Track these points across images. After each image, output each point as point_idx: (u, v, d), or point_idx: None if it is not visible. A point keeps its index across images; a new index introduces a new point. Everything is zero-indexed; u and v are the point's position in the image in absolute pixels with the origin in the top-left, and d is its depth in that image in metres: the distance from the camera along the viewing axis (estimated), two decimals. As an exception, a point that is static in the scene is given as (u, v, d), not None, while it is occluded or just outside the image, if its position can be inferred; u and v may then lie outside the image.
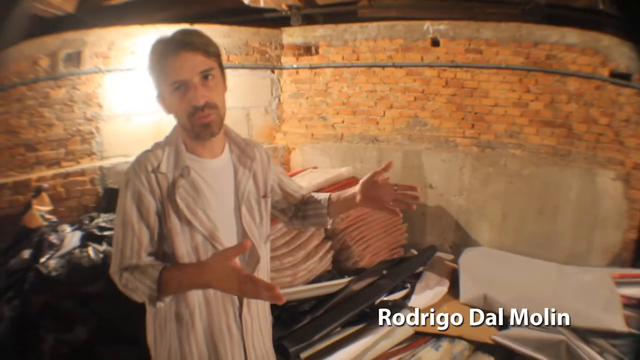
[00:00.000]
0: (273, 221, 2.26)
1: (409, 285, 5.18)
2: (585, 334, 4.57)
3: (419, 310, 4.76)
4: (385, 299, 4.89)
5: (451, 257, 5.94)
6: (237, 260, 1.81)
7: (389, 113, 6.65)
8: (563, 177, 5.94)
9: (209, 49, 1.90)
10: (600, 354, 4.45)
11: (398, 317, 4.52)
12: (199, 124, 1.89)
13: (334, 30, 6.76)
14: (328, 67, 6.83)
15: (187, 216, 1.90)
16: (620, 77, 5.76)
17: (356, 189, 2.21)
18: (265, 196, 2.15)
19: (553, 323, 4.56)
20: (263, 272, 2.11)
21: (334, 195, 2.33)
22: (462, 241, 6.35)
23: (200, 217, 1.92)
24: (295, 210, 2.42)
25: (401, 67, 6.51)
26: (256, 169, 2.13)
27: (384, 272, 5.29)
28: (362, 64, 6.68)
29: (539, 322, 4.57)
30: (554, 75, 5.97)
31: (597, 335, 4.55)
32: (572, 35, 5.90)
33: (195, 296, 1.95)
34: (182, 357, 2.00)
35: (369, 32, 6.62)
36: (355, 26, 6.69)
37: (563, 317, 4.57)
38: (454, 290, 5.18)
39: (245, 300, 2.02)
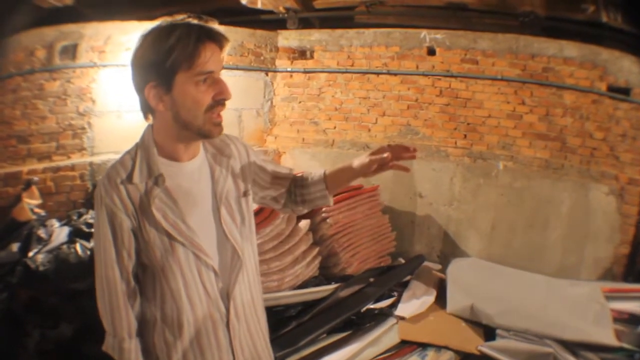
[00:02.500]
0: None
1: (395, 294, 5.36)
2: (574, 347, 4.74)
3: (406, 319, 4.95)
4: (372, 306, 5.06)
5: (439, 266, 6.17)
6: (211, 263, 1.98)
7: (381, 120, 6.89)
8: (555, 190, 6.19)
9: (226, 42, 1.93)
10: None
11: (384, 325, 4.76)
12: (213, 121, 1.91)
13: (330, 35, 7.01)
14: (322, 72, 7.06)
15: (165, 227, 1.91)
16: (619, 92, 6.00)
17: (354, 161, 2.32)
18: (245, 194, 2.16)
19: (541, 335, 4.79)
20: (249, 279, 2.14)
21: (329, 172, 2.35)
22: (451, 251, 6.56)
23: (179, 227, 1.93)
24: (289, 196, 2.43)
25: (396, 74, 6.76)
26: (234, 166, 2.15)
27: (371, 279, 5.46)
28: (356, 70, 6.92)
29: (527, 334, 4.82)
30: (550, 88, 6.23)
31: (586, 349, 4.72)
32: (570, 48, 6.16)
33: (184, 305, 1.97)
34: None
35: (365, 39, 6.87)
36: (351, 32, 6.94)
37: (551, 329, 4.83)
38: (440, 300, 5.34)
39: (232, 306, 2.03)
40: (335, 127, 7.11)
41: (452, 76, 6.55)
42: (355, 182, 6.04)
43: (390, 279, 5.57)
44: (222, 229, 2.03)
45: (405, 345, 4.74)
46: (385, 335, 4.75)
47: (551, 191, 6.22)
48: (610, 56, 6.04)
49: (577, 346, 4.76)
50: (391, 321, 4.91)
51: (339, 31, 6.98)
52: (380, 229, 6.20)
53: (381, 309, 5.10)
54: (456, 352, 4.70)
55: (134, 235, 1.94)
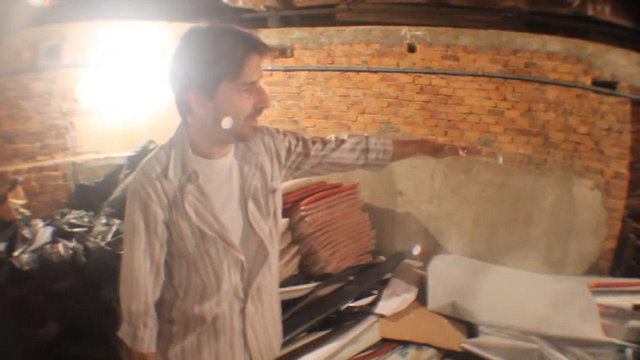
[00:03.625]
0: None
1: (376, 292, 5.54)
2: (561, 343, 4.90)
3: (386, 317, 5.14)
4: (352, 305, 5.25)
5: (420, 264, 6.31)
6: (242, 257, 2.16)
7: (361, 118, 7.08)
8: (538, 185, 6.36)
9: (268, 52, 2.05)
10: None
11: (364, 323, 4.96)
12: (251, 127, 2.05)
13: (311, 33, 7.18)
14: (302, 70, 7.23)
15: (196, 222, 2.05)
16: (605, 85, 6.18)
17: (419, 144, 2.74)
18: (273, 191, 2.27)
19: (525, 331, 4.97)
20: (272, 269, 2.31)
21: (395, 147, 2.62)
22: (432, 248, 6.69)
23: (210, 222, 2.07)
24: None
25: (376, 72, 6.93)
26: (262, 162, 2.26)
27: (351, 278, 5.65)
28: (336, 67, 7.10)
29: (510, 331, 4.99)
30: (533, 84, 6.39)
31: (574, 345, 4.89)
32: (554, 43, 6.33)
33: (210, 294, 2.15)
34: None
35: (345, 36, 7.04)
36: (331, 29, 7.11)
37: (535, 325, 5.01)
38: (422, 298, 5.55)
39: (250, 295, 2.22)
40: (315, 126, 7.27)
41: (432, 73, 6.70)
42: (335, 180, 6.24)
43: (371, 277, 5.76)
44: (249, 222, 2.18)
45: (386, 343, 4.92)
46: (366, 334, 4.93)
47: (534, 187, 6.37)
48: (595, 50, 6.20)
49: (564, 342, 4.91)
50: (371, 319, 5.09)
51: (319, 29, 7.14)
52: (360, 227, 6.33)
53: (361, 307, 5.28)
54: (438, 349, 4.87)
55: (167, 228, 2.09)
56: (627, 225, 6.32)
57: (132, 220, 2.07)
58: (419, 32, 6.72)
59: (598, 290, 5.58)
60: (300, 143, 2.45)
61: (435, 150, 2.67)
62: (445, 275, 5.83)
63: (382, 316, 5.17)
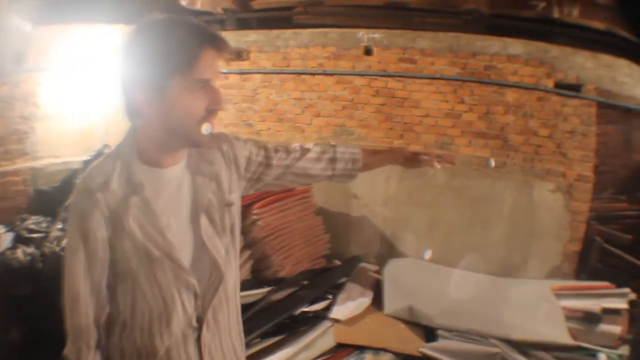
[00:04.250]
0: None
1: (331, 296, 5.54)
2: (525, 347, 4.96)
3: (341, 321, 5.15)
4: (306, 310, 5.23)
5: (376, 267, 6.34)
6: (193, 281, 1.94)
7: (315, 121, 7.11)
8: (496, 188, 6.46)
9: (228, 49, 1.90)
10: None
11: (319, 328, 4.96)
12: (204, 131, 1.88)
13: (267, 35, 7.24)
14: (258, 72, 7.27)
15: (141, 240, 1.86)
16: (569, 88, 6.34)
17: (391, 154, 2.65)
18: (229, 204, 2.08)
19: (486, 335, 5.03)
20: (228, 292, 2.10)
21: (365, 157, 2.44)
22: (388, 252, 6.75)
23: (156, 240, 1.88)
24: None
25: (331, 75, 6.99)
26: (218, 172, 2.07)
27: (305, 282, 5.66)
28: (292, 70, 7.14)
29: (470, 335, 5.04)
30: (492, 86, 6.50)
31: (539, 349, 4.96)
32: (515, 46, 6.45)
33: (159, 321, 1.94)
34: None
35: (301, 39, 7.11)
36: (288, 32, 7.18)
37: (497, 329, 5.07)
38: (378, 302, 5.57)
39: (205, 322, 2.01)
40: (269, 129, 7.27)
41: (388, 76, 6.78)
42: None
43: (325, 281, 5.77)
44: (201, 240, 1.98)
45: (341, 348, 4.92)
46: (320, 339, 4.94)
47: (492, 190, 6.47)
48: (560, 53, 6.34)
49: (528, 346, 4.97)
50: (326, 324, 5.10)
51: (275, 32, 7.20)
52: (314, 230, 6.40)
53: (316, 312, 5.27)
54: (396, 354, 4.88)
55: (109, 246, 1.88)
56: (592, 228, 6.44)
57: (71, 238, 1.92)
58: (376, 34, 6.81)
59: (562, 294, 5.69)
60: (262, 152, 2.26)
61: (408, 160, 2.53)
62: (401, 279, 5.89)
63: (337, 321, 5.17)
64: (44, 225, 5.48)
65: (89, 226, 1.85)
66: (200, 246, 1.99)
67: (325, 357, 4.85)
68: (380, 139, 6.88)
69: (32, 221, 5.41)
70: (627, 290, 5.64)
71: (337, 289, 5.72)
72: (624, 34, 6.36)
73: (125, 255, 1.88)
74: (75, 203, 1.92)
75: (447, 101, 6.65)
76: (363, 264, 6.38)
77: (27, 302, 4.60)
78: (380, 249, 6.86)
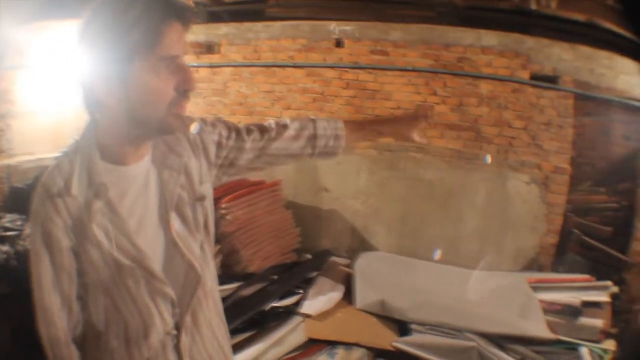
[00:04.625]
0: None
1: (301, 291, 5.52)
2: (502, 341, 4.98)
3: (312, 316, 5.14)
4: (276, 305, 5.20)
5: (347, 261, 6.32)
6: (168, 290, 1.82)
7: (285, 114, 7.05)
8: (469, 180, 6.48)
9: (192, 21, 1.74)
10: None
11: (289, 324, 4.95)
12: (177, 116, 1.72)
13: (238, 28, 7.25)
14: (228, 66, 7.27)
15: (108, 248, 1.72)
16: (545, 80, 6.39)
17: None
18: (201, 198, 1.93)
19: (461, 329, 5.04)
20: (207, 292, 1.97)
21: (349, 132, 2.27)
22: (359, 245, 6.76)
23: (124, 247, 1.74)
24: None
25: (302, 67, 7.00)
26: (187, 163, 1.90)
27: (275, 277, 5.67)
28: (262, 63, 7.15)
29: (445, 328, 5.05)
30: (465, 78, 6.53)
31: (517, 342, 4.97)
32: (490, 37, 6.48)
33: (135, 333, 1.82)
34: None
35: (272, 32, 7.12)
36: (259, 25, 7.19)
37: (472, 323, 5.09)
38: (349, 296, 5.57)
39: (184, 328, 1.89)
40: (239, 122, 7.07)
41: (359, 68, 6.80)
42: (257, 177, 6.30)
43: (295, 275, 5.76)
44: (173, 241, 1.84)
45: (313, 344, 4.93)
46: (291, 335, 4.92)
47: (465, 182, 6.49)
48: (536, 44, 6.39)
49: (505, 340, 4.97)
50: (297, 319, 5.08)
51: (246, 24, 7.20)
52: (284, 224, 6.40)
53: (286, 307, 5.23)
54: (369, 349, 4.89)
55: (75, 256, 1.75)
56: (569, 220, 6.46)
57: (35, 248, 1.76)
58: (348, 27, 6.82)
59: (540, 287, 5.71)
60: (233, 134, 2.06)
61: (397, 130, 2.46)
62: (373, 272, 5.87)
63: (307, 316, 5.15)
64: (18, 223, 5.43)
65: (52, 235, 1.72)
66: (172, 248, 1.84)
67: (296, 353, 4.85)
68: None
69: (7, 219, 5.38)
70: (608, 283, 5.68)
71: (307, 283, 5.70)
72: (606, 25, 6.37)
73: (93, 266, 1.75)
74: (35, 210, 1.76)
75: (419, 93, 6.66)
76: (334, 258, 6.38)
77: (5, 301, 4.54)
78: (351, 243, 6.88)
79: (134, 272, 1.75)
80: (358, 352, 4.86)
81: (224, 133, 2.04)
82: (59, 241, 1.72)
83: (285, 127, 2.16)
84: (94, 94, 1.69)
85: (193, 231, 1.89)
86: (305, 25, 7.03)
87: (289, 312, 5.19)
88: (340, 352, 4.83)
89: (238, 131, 2.08)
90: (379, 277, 5.79)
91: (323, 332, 5.04)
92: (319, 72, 6.98)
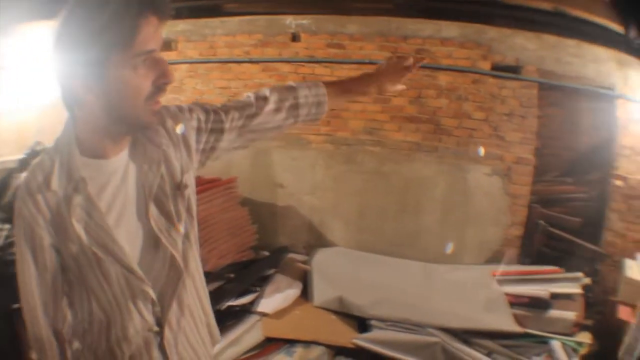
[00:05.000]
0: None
1: (258, 289, 5.51)
2: (467, 336, 4.98)
3: (269, 315, 5.13)
4: (232, 304, 5.20)
5: (305, 258, 6.34)
6: (147, 288, 1.82)
7: None
8: (427, 173, 6.48)
9: (170, 13, 1.72)
10: (488, 355, 4.83)
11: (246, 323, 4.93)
12: (153, 111, 1.74)
13: (194, 24, 7.21)
14: (184, 62, 7.24)
15: (87, 243, 1.73)
16: (508, 70, 6.38)
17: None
18: (181, 188, 1.91)
19: (423, 324, 5.00)
20: (189, 285, 1.98)
21: (331, 97, 2.27)
22: (317, 241, 6.77)
23: (103, 241, 1.75)
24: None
25: (257, 62, 6.98)
26: (167, 153, 1.90)
27: (231, 275, 5.64)
28: (217, 59, 7.14)
29: (406, 324, 5.02)
30: (423, 70, 6.45)
31: (482, 337, 4.97)
32: (450, 29, 6.47)
33: (117, 332, 1.84)
34: None
35: (229, 27, 7.11)
36: (215, 21, 7.16)
37: (434, 318, 5.06)
38: (308, 293, 5.57)
39: (167, 326, 1.90)
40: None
41: (315, 62, 6.79)
42: (211, 175, 6.28)
43: (252, 273, 5.75)
44: (153, 234, 1.84)
45: (270, 342, 4.92)
46: (248, 334, 4.91)
47: (423, 175, 6.49)
48: (498, 34, 6.36)
49: (471, 334, 4.98)
50: (253, 318, 5.08)
51: (203, 20, 7.17)
52: (239, 222, 6.34)
53: (242, 306, 5.21)
54: (328, 346, 4.88)
55: (57, 252, 1.77)
56: (535, 211, 6.47)
57: (19, 246, 1.79)
58: (304, 20, 6.81)
59: (505, 279, 5.69)
60: (212, 117, 2.06)
61: (382, 82, 2.39)
62: (330, 268, 5.86)
63: (264, 314, 5.15)
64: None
65: (34, 233, 1.75)
66: (153, 242, 1.85)
67: (253, 353, 4.84)
68: (306, 126, 6.73)
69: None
70: (579, 274, 5.65)
71: (264, 281, 5.69)
72: (575, 13, 6.36)
73: (74, 261, 1.77)
74: (17, 208, 1.77)
75: (375, 86, 6.57)
76: (291, 255, 6.38)
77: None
78: (308, 239, 6.88)
79: (113, 268, 1.77)
80: (317, 350, 4.85)
81: (202, 117, 2.04)
82: (40, 239, 1.74)
83: (265, 100, 2.15)
84: (72, 90, 1.69)
85: (175, 223, 1.88)
86: (261, 20, 7.01)
87: (246, 311, 5.18)
88: (298, 350, 4.83)
89: (216, 112, 2.07)
90: (337, 273, 5.78)
91: (280, 330, 5.03)
92: (275, 67, 6.96)
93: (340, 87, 2.37)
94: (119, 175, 1.81)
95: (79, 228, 1.72)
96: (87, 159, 1.76)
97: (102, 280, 1.77)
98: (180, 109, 2.02)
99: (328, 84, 2.30)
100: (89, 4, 1.61)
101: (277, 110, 2.16)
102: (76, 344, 1.87)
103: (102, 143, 1.76)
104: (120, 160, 1.82)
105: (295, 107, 2.19)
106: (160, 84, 1.70)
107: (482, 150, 6.44)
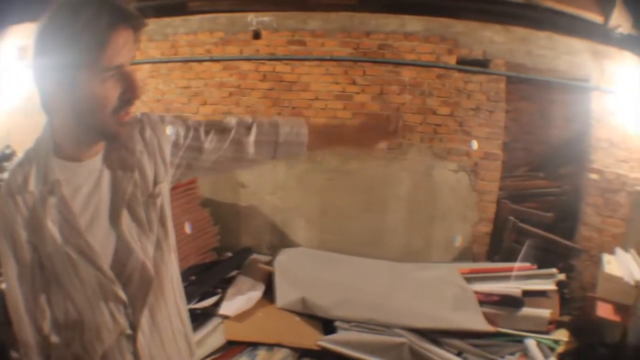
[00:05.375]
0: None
1: (220, 291, 5.47)
2: (436, 335, 4.93)
3: (230, 317, 5.08)
4: (193, 307, 5.14)
5: (268, 258, 6.28)
6: (117, 289, 1.82)
7: (202, 110, 7.07)
8: (391, 171, 6.45)
9: (143, 25, 1.74)
10: (459, 355, 4.79)
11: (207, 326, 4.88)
12: (120, 123, 1.76)
13: (157, 24, 7.17)
14: (145, 63, 7.20)
15: (61, 243, 1.75)
16: (475, 64, 6.37)
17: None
18: (153, 196, 1.93)
19: (389, 325, 4.96)
20: (166, 293, 1.98)
21: (312, 139, 2.26)
22: (280, 241, 6.74)
23: (75, 242, 1.77)
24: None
25: (218, 61, 6.95)
26: (141, 161, 1.92)
27: (193, 277, 5.61)
28: (178, 58, 7.11)
29: (371, 325, 4.98)
30: (386, 66, 6.49)
31: (452, 336, 4.93)
32: (414, 23, 6.45)
33: (90, 333, 1.83)
34: None
35: (190, 26, 7.09)
36: (177, 19, 7.14)
37: (400, 318, 5.02)
38: (270, 295, 5.51)
39: (140, 330, 1.89)
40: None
41: (276, 59, 6.77)
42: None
43: (214, 275, 5.72)
44: (125, 241, 1.85)
45: (232, 345, 4.86)
46: (210, 337, 4.86)
47: (387, 172, 6.47)
48: (465, 28, 6.37)
49: (440, 334, 4.93)
50: (215, 321, 5.02)
51: (165, 20, 7.14)
52: (200, 223, 6.30)
53: (204, 309, 5.17)
54: (293, 349, 4.83)
55: (34, 251, 1.78)
56: (504, 207, 6.45)
57: (1, 246, 1.81)
58: (266, 17, 6.78)
59: (474, 277, 5.64)
60: (191, 133, 2.07)
61: (362, 138, 2.35)
62: (293, 269, 5.82)
63: (226, 317, 5.10)
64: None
65: (14, 231, 1.77)
66: (125, 247, 1.85)
67: (215, 356, 4.80)
68: None
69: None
70: (553, 270, 5.64)
71: (227, 283, 5.65)
72: (547, 4, 6.33)
73: (49, 261, 1.78)
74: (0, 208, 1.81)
75: (337, 83, 6.65)
76: (255, 255, 6.35)
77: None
78: (272, 239, 6.86)
79: (85, 269, 1.77)
80: (281, 353, 4.82)
81: (182, 132, 2.06)
82: (19, 236, 1.76)
83: (248, 129, 2.16)
84: (47, 96, 1.73)
85: (146, 230, 1.89)
86: (223, 17, 6.99)
87: (207, 314, 5.13)
88: (261, 353, 4.80)
89: (196, 130, 2.08)
90: (300, 274, 5.74)
91: (243, 333, 4.98)
92: (236, 65, 6.94)
93: (323, 132, 2.39)
94: (93, 179, 1.84)
95: (53, 228, 1.74)
96: (63, 162, 1.79)
97: (75, 280, 1.78)
98: (162, 119, 2.05)
99: (311, 126, 2.28)
100: (64, 12, 1.63)
101: (258, 143, 2.17)
102: (54, 339, 1.86)
103: (77, 146, 1.80)
104: (95, 164, 1.85)
105: (275, 143, 2.20)
106: (127, 98, 1.73)
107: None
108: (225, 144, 2.11)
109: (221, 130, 2.13)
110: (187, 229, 6.00)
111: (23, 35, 6.28)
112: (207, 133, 2.09)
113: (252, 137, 2.15)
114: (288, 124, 2.24)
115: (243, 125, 2.16)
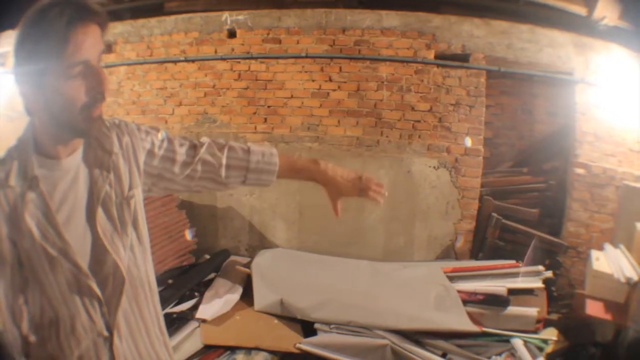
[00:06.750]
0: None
1: (198, 295, 5.46)
2: (419, 336, 4.88)
3: (208, 321, 5.05)
4: (171, 310, 5.15)
5: (247, 260, 6.24)
6: (93, 285, 1.84)
7: (177, 111, 7.07)
8: (369, 168, 6.43)
9: (107, 20, 1.78)
10: (444, 356, 4.72)
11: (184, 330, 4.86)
12: (92, 118, 1.79)
13: (133, 25, 7.18)
14: (122, 65, 7.19)
15: (39, 239, 1.77)
16: (454, 58, 6.36)
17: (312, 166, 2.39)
18: (128, 198, 1.98)
19: (370, 327, 4.92)
20: (139, 297, 2.01)
21: (284, 163, 2.35)
22: (258, 243, 6.73)
23: (52, 238, 1.79)
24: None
25: (193, 61, 6.94)
26: (117, 164, 1.97)
27: (170, 281, 5.57)
28: (153, 60, 7.10)
29: (352, 327, 4.94)
30: (363, 62, 6.48)
31: (435, 337, 4.87)
32: (391, 18, 6.44)
33: (65, 331, 1.84)
34: None
35: (165, 26, 7.08)
36: (153, 20, 7.13)
37: (381, 319, 4.97)
38: (249, 297, 5.46)
39: (115, 330, 1.91)
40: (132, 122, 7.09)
41: (251, 58, 6.76)
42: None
43: (191, 278, 5.70)
44: (99, 238, 1.88)
45: (210, 350, 4.81)
46: (187, 342, 4.84)
47: (365, 170, 6.27)
48: (443, 22, 6.35)
49: (423, 335, 4.88)
50: (192, 325, 5.00)
51: (141, 21, 7.15)
52: (177, 226, 6.28)
53: (181, 313, 5.16)
54: (272, 352, 4.78)
55: (14, 246, 1.79)
56: (487, 204, 6.42)
57: None
58: (240, 16, 6.77)
59: (458, 276, 5.59)
60: (165, 144, 2.15)
61: (333, 183, 2.48)
62: (272, 271, 5.76)
63: (203, 321, 5.08)
64: None
65: None
66: (100, 246, 1.88)
67: (192, 361, 4.71)
68: (243, 124, 6.87)
69: None
70: (540, 268, 5.57)
71: (205, 286, 5.64)
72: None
73: (27, 256, 1.80)
74: None
75: (313, 80, 6.64)
76: (233, 257, 6.34)
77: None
78: (250, 240, 6.84)
79: (61, 265, 1.80)
80: (259, 357, 4.78)
81: (156, 142, 2.12)
82: (0, 232, 1.77)
83: (219, 151, 2.23)
84: (25, 97, 1.78)
85: (119, 231, 1.93)
86: (197, 17, 6.98)
87: (184, 317, 5.11)
88: (239, 357, 4.76)
89: (170, 142, 2.16)
90: (278, 275, 5.70)
91: (220, 337, 4.96)
92: (211, 65, 6.94)
93: (295, 165, 2.44)
94: (70, 176, 1.88)
95: (30, 223, 1.77)
96: (42, 159, 1.83)
97: (50, 276, 1.80)
98: (138, 128, 2.10)
99: (283, 157, 2.36)
100: (32, 16, 1.68)
101: (229, 167, 2.24)
102: (32, 337, 1.87)
103: (54, 144, 1.83)
104: (73, 161, 1.88)
105: (245, 169, 2.26)
106: (96, 94, 1.76)
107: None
108: (195, 159, 2.18)
109: (193, 146, 2.21)
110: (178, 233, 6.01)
111: (4, 42, 6.30)
112: (181, 146, 2.17)
113: (223, 160, 2.22)
114: (260, 152, 2.30)
115: (215, 146, 2.23)
